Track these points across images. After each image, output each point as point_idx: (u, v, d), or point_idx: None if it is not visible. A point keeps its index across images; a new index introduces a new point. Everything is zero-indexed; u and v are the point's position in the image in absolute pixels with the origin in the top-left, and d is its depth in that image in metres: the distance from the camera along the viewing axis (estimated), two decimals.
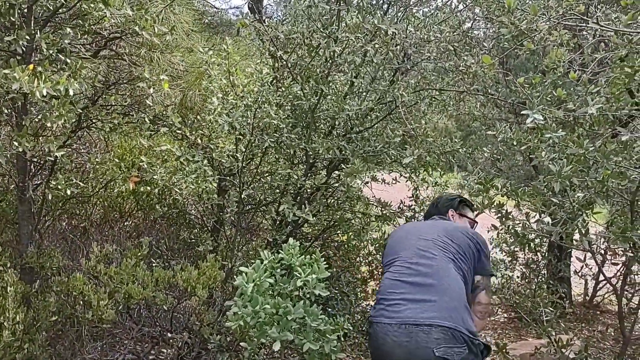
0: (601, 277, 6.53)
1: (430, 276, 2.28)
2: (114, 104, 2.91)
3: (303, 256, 2.14)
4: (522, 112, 2.55)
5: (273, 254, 2.17)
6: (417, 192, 4.11)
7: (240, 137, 3.35)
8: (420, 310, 2.20)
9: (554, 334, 3.48)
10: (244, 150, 3.38)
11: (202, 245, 3.67)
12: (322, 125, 3.43)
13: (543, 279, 6.26)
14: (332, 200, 3.40)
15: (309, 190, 3.47)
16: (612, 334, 6.01)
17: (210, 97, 3.15)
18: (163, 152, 3.20)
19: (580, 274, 6.43)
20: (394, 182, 4.47)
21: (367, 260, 4.72)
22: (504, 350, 3.21)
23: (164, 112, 2.98)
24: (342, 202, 3.24)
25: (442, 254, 2.35)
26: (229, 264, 3.57)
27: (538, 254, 5.35)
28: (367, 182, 3.21)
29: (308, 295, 2.10)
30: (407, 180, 4.31)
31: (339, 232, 4.02)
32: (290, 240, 2.21)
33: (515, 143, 2.65)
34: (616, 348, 4.57)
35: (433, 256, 2.33)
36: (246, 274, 1.97)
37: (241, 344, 2.18)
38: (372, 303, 5.07)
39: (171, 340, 2.40)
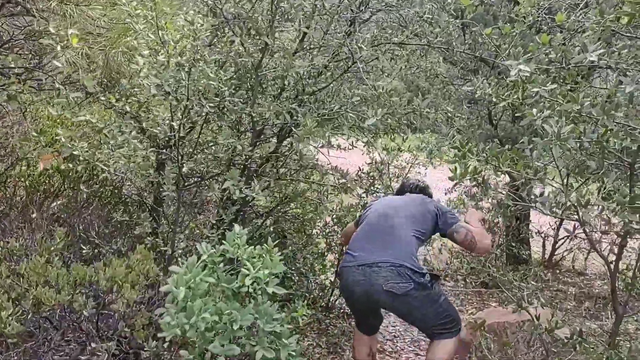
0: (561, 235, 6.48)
1: (386, 232, 2.87)
2: (11, 65, 2.39)
3: (252, 247, 1.74)
4: (504, 63, 2.20)
5: (214, 246, 1.76)
6: (379, 159, 3.76)
7: (176, 102, 2.89)
8: (373, 255, 2.76)
9: (530, 306, 3.25)
10: (180, 117, 2.92)
11: (139, 228, 3.24)
12: (269, 87, 3.00)
13: (503, 241, 6.13)
14: (285, 171, 3.00)
15: (258, 161, 3.05)
16: (574, 293, 5.97)
17: (135, 57, 2.65)
18: (82, 123, 2.70)
19: (542, 234, 6.34)
20: (350, 147, 4.09)
21: (324, 233, 4.38)
22: (482, 328, 2.98)
23: (75, 74, 2.47)
24: (296, 172, 2.84)
25: (401, 217, 2.91)
26: (170, 249, 3.15)
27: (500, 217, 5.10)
28: (322, 146, 2.80)
29: (260, 293, 1.71)
30: (364, 146, 3.95)
31: (292, 205, 3.64)
32: (236, 227, 1.81)
33: (494, 99, 2.30)
34: (608, 325, 4.38)
35: (392, 217, 2.91)
36: (177, 275, 1.56)
37: (180, 352, 1.79)
38: (330, 276, 4.78)
39: (96, 351, 1.97)
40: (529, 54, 2.15)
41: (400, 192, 3.31)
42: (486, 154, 2.20)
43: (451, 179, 2.17)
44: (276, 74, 2.70)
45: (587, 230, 2.30)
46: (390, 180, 4.40)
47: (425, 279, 2.73)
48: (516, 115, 5.21)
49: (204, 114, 2.66)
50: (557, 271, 6.50)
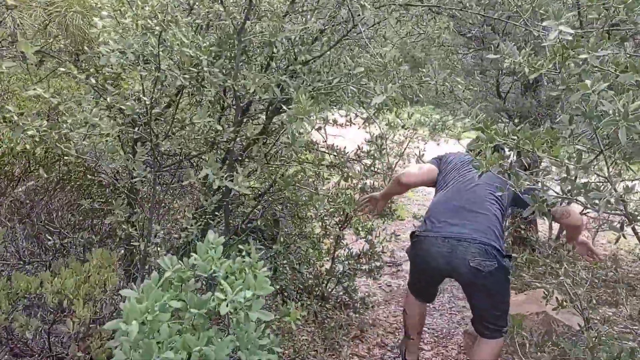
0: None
1: (472, 201, 2.84)
2: None
3: (231, 260, 1.36)
4: (543, 24, 1.80)
5: (181, 259, 1.38)
6: (377, 133, 3.34)
7: (145, 73, 2.48)
8: (461, 228, 2.74)
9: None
10: (152, 91, 2.52)
11: (111, 216, 2.86)
12: (256, 56, 2.58)
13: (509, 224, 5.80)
14: (275, 153, 2.60)
15: (244, 143, 2.65)
16: (585, 277, 5.65)
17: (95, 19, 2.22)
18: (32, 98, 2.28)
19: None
20: (347, 124, 3.69)
21: (320, 216, 4.01)
22: (520, 324, 2.71)
23: (11, 38, 2.05)
24: (287, 155, 2.44)
25: (484, 188, 2.86)
26: (143, 243, 2.77)
27: None
28: (319, 128, 2.39)
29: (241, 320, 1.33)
30: (364, 122, 3.55)
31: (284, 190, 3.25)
32: (209, 234, 1.42)
33: (526, 69, 1.90)
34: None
35: (478, 185, 2.86)
36: (128, 304, 1.17)
37: None
38: (326, 264, 4.42)
39: None
40: (571, 13, 1.74)
41: None
42: (517, 137, 1.80)
43: (476, 167, 1.78)
44: (263, 40, 2.28)
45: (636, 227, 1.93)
46: (395, 163, 4.02)
47: (508, 263, 2.81)
48: (534, 86, 4.81)
49: (179, 87, 2.25)
50: (566, 253, 6.17)
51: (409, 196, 8.91)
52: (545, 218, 1.80)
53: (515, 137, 1.81)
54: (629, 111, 1.28)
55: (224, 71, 2.27)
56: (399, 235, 5.15)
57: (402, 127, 2.95)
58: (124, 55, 2.05)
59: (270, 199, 2.91)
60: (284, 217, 3.95)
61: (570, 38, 1.65)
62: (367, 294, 4.68)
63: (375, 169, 3.76)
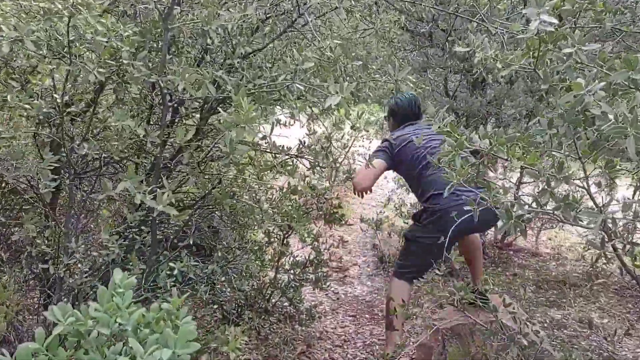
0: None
1: None
2: None
3: (143, 310, 1.05)
4: (522, 11, 1.58)
5: (104, 283, 1.06)
6: (327, 135, 3.08)
7: (54, 66, 2.13)
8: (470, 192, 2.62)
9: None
10: (63, 88, 2.16)
11: (18, 232, 2.50)
12: (188, 48, 2.26)
13: None
14: (211, 157, 2.29)
15: (174, 148, 2.33)
16: (531, 277, 5.61)
17: None
18: None
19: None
20: (291, 123, 3.40)
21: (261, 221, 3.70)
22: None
23: None
24: (225, 169, 2.12)
25: None
26: (58, 261, 2.40)
27: None
28: (264, 137, 2.09)
29: None
30: (308, 120, 3.28)
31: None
32: (116, 273, 1.10)
33: (499, 65, 1.67)
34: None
35: None
36: None
37: None
38: (270, 273, 4.13)
39: None
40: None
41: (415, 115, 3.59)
42: (491, 142, 1.58)
43: (445, 179, 1.54)
44: (196, 29, 1.96)
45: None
46: (340, 163, 3.75)
47: None
48: (482, 85, 4.67)
49: (92, 82, 1.91)
50: (511, 252, 6.14)
51: (358, 201, 8.72)
52: (521, 235, 1.58)
53: (488, 143, 1.58)
54: (638, 117, 1.06)
55: (150, 65, 1.94)
56: (347, 240, 4.93)
57: (352, 127, 2.69)
58: (22, 45, 1.68)
59: (206, 208, 2.60)
60: (223, 226, 3.63)
61: (551, 29, 1.43)
62: (313, 303, 4.42)
63: (320, 165, 3.48)
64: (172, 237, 2.45)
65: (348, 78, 2.16)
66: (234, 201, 2.11)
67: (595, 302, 4.88)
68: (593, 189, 1.76)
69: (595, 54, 1.51)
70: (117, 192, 1.76)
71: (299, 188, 1.93)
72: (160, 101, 2.02)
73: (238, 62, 1.99)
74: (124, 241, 2.59)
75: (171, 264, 2.43)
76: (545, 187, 1.54)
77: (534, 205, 1.60)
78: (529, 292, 5.06)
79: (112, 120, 1.71)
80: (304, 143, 3.42)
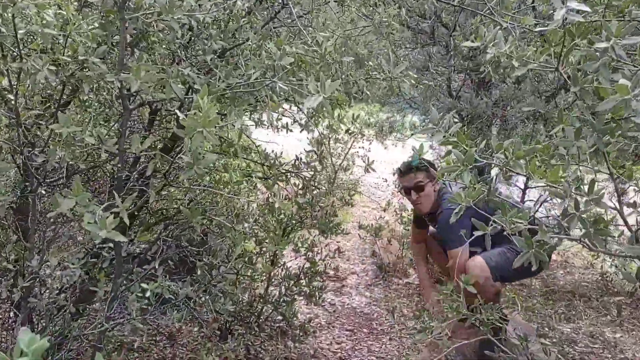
0: None
1: None
2: None
3: None
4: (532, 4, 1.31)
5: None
6: (319, 139, 2.86)
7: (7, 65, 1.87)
8: None
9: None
10: (15, 88, 1.90)
11: None
12: (158, 43, 2.00)
13: None
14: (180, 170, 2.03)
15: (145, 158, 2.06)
16: (538, 287, 5.34)
17: None
18: None
19: None
20: (283, 128, 3.15)
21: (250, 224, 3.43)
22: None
23: None
24: (194, 181, 1.87)
25: None
26: (18, 289, 2.16)
27: None
28: (230, 145, 1.82)
29: None
30: (302, 129, 3.03)
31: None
32: (22, 334, 0.85)
33: (515, 63, 1.40)
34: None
35: None
36: None
37: None
38: (261, 285, 3.88)
39: None
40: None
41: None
42: (507, 154, 1.32)
43: (452, 201, 1.28)
44: (163, 19, 1.70)
45: None
46: (338, 165, 3.53)
47: None
48: (487, 85, 4.41)
49: (44, 81, 1.65)
50: None
51: (355, 198, 8.45)
52: (543, 268, 1.32)
53: (504, 156, 1.31)
54: None
55: (106, 61, 1.68)
56: (344, 251, 4.67)
57: (346, 131, 2.42)
58: None
59: (177, 226, 2.33)
60: (211, 235, 3.37)
61: (580, 19, 1.16)
62: (308, 317, 4.16)
63: (316, 183, 3.23)
64: (143, 253, 2.19)
65: (343, 77, 1.90)
66: (205, 220, 1.85)
67: (607, 314, 4.60)
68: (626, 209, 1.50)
69: (634, 49, 1.25)
70: (68, 210, 1.50)
71: (277, 205, 1.67)
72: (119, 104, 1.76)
73: (211, 60, 1.73)
74: (91, 258, 2.34)
75: (143, 285, 2.17)
76: (570, 208, 1.27)
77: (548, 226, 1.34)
78: (536, 304, 4.79)
79: (55, 127, 1.44)
80: (300, 159, 3.17)
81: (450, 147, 1.38)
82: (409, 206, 5.85)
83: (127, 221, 1.37)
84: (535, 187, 5.16)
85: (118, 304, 2.45)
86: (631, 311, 4.69)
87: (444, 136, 1.30)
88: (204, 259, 2.40)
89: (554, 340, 4.15)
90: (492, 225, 1.38)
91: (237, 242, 1.62)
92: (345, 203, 3.13)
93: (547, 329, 4.23)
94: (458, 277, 2.70)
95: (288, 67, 1.51)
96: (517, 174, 1.32)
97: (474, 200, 1.23)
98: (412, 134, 5.33)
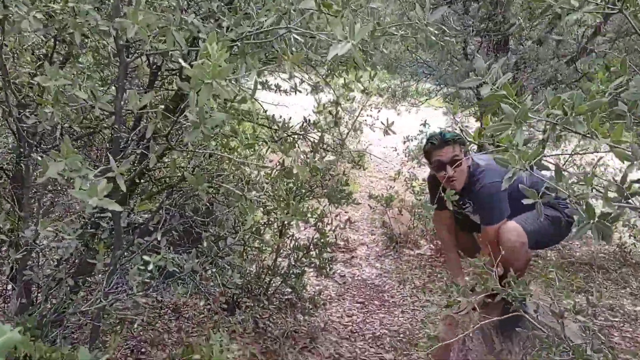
0: None
1: None
2: None
3: None
4: None
5: None
6: (335, 100, 2.69)
7: None
8: None
9: None
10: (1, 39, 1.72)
11: None
12: None
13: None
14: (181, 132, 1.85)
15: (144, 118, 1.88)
16: (554, 258, 5.17)
17: None
18: None
19: None
20: (292, 91, 2.96)
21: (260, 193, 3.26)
22: None
23: None
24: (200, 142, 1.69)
25: None
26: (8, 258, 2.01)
27: None
28: (243, 100, 1.62)
29: None
30: (312, 91, 2.85)
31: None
32: None
33: (575, 3, 1.20)
34: None
35: None
36: None
37: None
38: (269, 257, 3.74)
39: None
40: None
41: None
42: (560, 109, 1.13)
43: (502, 164, 1.10)
44: None
45: None
46: (346, 134, 3.36)
47: None
48: (504, 45, 4.18)
49: (30, 30, 1.46)
50: None
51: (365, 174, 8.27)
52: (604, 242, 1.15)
53: (561, 112, 1.13)
54: None
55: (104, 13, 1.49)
56: (355, 221, 4.52)
57: (363, 91, 2.23)
58: None
59: (182, 194, 2.16)
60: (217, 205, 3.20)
61: None
62: (317, 289, 4.03)
63: (325, 146, 3.06)
64: (145, 223, 2.03)
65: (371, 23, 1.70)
66: (212, 188, 1.69)
67: (626, 286, 4.46)
68: None
69: None
70: (58, 174, 1.33)
71: (295, 171, 1.49)
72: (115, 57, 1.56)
73: (218, 7, 1.53)
74: (89, 228, 2.19)
75: (145, 257, 2.01)
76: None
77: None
78: (552, 276, 4.64)
79: (40, 80, 1.26)
80: (309, 121, 2.97)
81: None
82: (420, 175, 5.68)
83: (123, 188, 1.20)
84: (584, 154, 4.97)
85: (120, 277, 2.30)
86: None
87: (491, 89, 1.11)
88: (210, 230, 2.23)
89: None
90: (542, 194, 1.20)
91: (248, 212, 1.46)
92: (355, 164, 2.92)
93: (584, 304, 4.06)
94: (495, 250, 2.53)
95: (309, 10, 1.31)
96: (575, 132, 1.14)
97: (529, 162, 1.05)
98: (426, 99, 5.11)
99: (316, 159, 2.95)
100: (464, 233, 3.57)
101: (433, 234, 4.82)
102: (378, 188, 7.64)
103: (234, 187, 1.55)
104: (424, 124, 5.50)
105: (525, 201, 1.17)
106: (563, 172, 1.14)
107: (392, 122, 2.42)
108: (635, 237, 5.12)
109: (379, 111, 7.14)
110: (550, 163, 1.26)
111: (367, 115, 6.72)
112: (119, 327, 2.49)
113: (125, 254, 2.04)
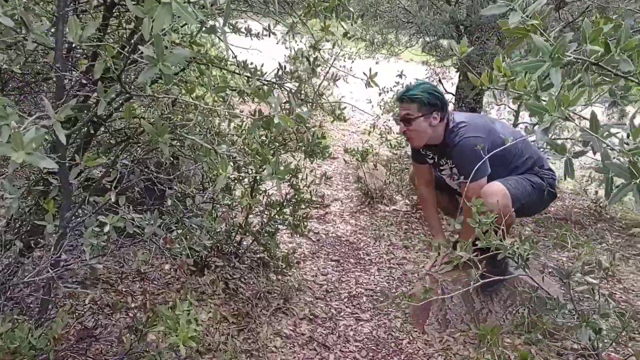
0: None
1: None
2: None
3: None
4: None
5: None
6: (314, 45, 2.46)
7: None
8: None
9: None
10: None
11: None
12: None
13: None
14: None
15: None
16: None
17: None
18: None
19: None
20: (266, 33, 2.70)
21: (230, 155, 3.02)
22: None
23: None
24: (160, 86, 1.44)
25: None
26: None
27: None
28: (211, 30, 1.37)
29: None
30: (287, 33, 2.59)
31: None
32: None
33: None
34: None
35: None
36: None
37: None
38: (240, 214, 3.54)
39: None
40: None
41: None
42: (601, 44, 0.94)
43: (536, 111, 0.90)
44: None
45: None
46: (325, 83, 3.14)
47: None
48: None
49: None
50: None
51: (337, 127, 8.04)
52: None
53: (603, 48, 0.93)
54: None
55: None
56: (331, 177, 4.33)
57: (345, 34, 2.00)
58: None
59: (139, 148, 1.91)
60: (183, 155, 2.95)
61: None
62: (291, 246, 3.86)
63: (302, 96, 2.83)
64: (98, 180, 1.79)
65: None
66: (175, 140, 1.45)
67: (602, 242, 4.42)
68: None
69: None
70: None
71: (277, 120, 1.26)
72: None
73: None
74: (36, 185, 1.94)
75: (101, 218, 1.78)
76: None
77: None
78: (527, 231, 4.58)
79: None
80: (284, 67, 2.74)
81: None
82: (396, 129, 5.49)
83: (62, 139, 0.97)
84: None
85: (75, 239, 2.07)
86: (626, 239, 4.52)
87: (522, 17, 0.90)
88: (175, 187, 2.01)
89: (550, 271, 3.95)
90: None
91: (220, 169, 1.24)
92: (336, 117, 2.75)
93: (542, 259, 4.02)
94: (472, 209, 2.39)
95: None
96: (616, 74, 0.94)
97: (571, 107, 0.85)
98: (405, 48, 4.87)
99: (296, 109, 2.73)
100: (445, 194, 3.44)
101: (410, 189, 4.68)
102: (351, 141, 7.45)
103: (202, 140, 1.32)
104: (400, 75, 5.28)
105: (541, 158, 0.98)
106: (599, 123, 0.95)
107: (376, 73, 2.20)
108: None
109: (353, 61, 6.88)
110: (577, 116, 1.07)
111: (341, 67, 6.46)
112: (69, 301, 2.28)
113: (81, 214, 1.80)
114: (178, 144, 1.65)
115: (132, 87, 1.52)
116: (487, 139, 2.79)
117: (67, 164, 1.51)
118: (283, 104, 2.39)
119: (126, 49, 1.24)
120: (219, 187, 1.23)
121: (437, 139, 2.97)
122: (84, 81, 1.55)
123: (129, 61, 1.21)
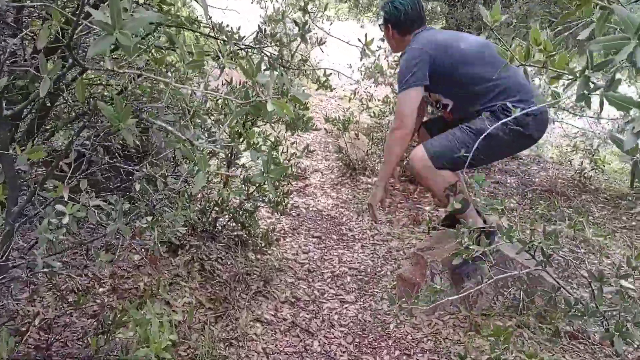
0: None
1: None
2: None
3: None
4: None
5: None
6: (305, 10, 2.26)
7: None
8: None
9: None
10: None
11: None
12: None
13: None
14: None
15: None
16: (514, 185, 4.94)
17: None
18: None
19: None
20: None
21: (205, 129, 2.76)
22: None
23: None
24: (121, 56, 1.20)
25: None
26: None
27: None
28: None
29: None
30: None
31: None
32: None
33: None
34: None
35: None
36: None
37: None
38: (216, 187, 3.32)
39: None
40: None
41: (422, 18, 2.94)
42: None
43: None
44: None
45: None
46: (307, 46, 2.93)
47: None
48: None
49: None
50: None
51: (315, 92, 7.73)
52: None
53: None
54: None
55: None
56: (314, 149, 4.10)
57: None
58: None
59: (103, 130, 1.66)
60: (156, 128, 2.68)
61: None
62: (269, 224, 3.65)
63: (284, 61, 2.61)
64: (54, 161, 1.54)
65: None
66: (142, 124, 1.21)
67: (589, 214, 4.32)
68: None
69: None
70: None
71: (270, 107, 1.03)
72: None
73: None
74: None
75: (59, 207, 1.54)
76: None
77: None
78: (513, 203, 4.46)
79: None
80: (264, 30, 2.49)
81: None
82: (377, 95, 5.27)
83: None
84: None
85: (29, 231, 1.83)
86: (611, 210, 4.43)
87: None
88: (144, 169, 1.77)
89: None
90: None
91: (199, 166, 1.01)
92: (321, 86, 2.55)
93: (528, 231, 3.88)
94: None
95: None
96: None
97: None
98: None
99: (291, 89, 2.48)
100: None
101: None
102: (329, 107, 7.20)
103: (175, 127, 1.09)
104: (383, 39, 5.02)
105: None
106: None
107: (372, 40, 1.98)
108: (595, 163, 4.98)
109: (331, 23, 6.57)
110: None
111: (318, 29, 6.16)
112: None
113: (28, 205, 1.56)
114: (143, 127, 1.41)
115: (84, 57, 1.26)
116: (435, 52, 2.73)
117: (13, 150, 1.26)
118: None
119: (77, 11, 0.99)
120: (197, 188, 1.01)
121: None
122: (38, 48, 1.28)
123: (79, 27, 0.96)
